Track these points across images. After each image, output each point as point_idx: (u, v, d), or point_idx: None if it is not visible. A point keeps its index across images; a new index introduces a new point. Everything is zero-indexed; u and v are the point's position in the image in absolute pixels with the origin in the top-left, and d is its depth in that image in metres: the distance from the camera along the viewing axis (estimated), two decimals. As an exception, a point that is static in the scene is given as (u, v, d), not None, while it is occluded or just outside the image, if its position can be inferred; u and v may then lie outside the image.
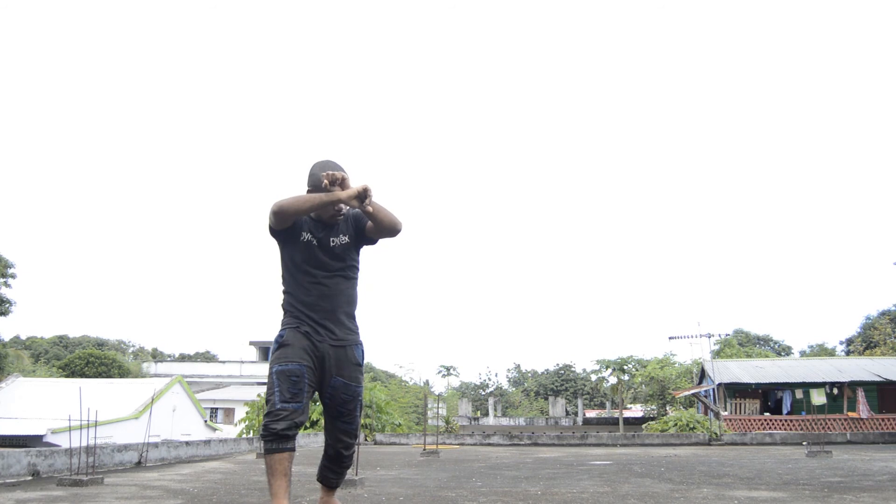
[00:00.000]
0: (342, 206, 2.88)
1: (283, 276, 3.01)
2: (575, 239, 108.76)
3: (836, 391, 24.95)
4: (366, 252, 3.12)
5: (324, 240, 2.96)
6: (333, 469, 3.09)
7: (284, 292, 3.00)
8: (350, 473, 5.24)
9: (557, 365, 58.14)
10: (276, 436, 2.69)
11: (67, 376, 36.54)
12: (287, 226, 2.89)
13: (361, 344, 3.05)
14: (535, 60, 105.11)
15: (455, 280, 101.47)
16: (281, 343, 2.87)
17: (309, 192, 2.98)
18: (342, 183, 2.82)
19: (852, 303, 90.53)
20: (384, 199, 2.90)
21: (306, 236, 2.94)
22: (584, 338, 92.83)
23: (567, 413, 48.64)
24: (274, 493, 2.69)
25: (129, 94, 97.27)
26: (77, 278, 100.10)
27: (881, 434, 15.20)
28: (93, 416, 6.43)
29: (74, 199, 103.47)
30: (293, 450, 2.75)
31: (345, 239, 3.01)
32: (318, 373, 2.87)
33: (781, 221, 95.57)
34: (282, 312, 3.00)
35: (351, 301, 3.02)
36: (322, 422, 17.22)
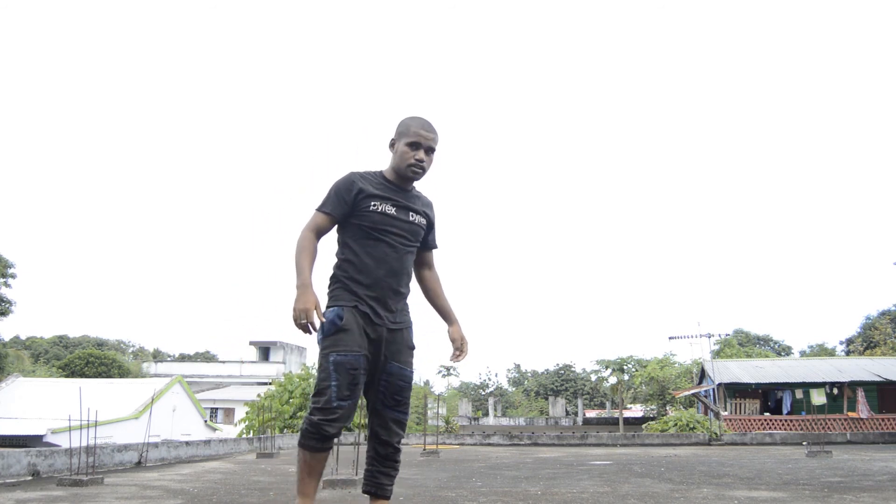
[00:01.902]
0: (421, 162, 2.71)
1: (345, 243, 2.72)
2: (575, 239, 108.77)
3: (836, 391, 24.95)
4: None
5: (403, 211, 2.74)
6: (387, 472, 2.71)
7: (344, 261, 2.70)
8: (350, 473, 5.24)
9: (557, 365, 58.13)
10: (324, 436, 2.50)
11: (67, 376, 36.54)
12: (342, 214, 2.70)
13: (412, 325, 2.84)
14: (534, 60, 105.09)
15: (455, 280, 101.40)
16: (340, 327, 2.57)
17: (392, 142, 2.79)
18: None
19: (852, 303, 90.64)
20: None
21: (380, 206, 2.68)
22: (584, 338, 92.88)
23: (567, 413, 48.63)
24: (305, 493, 2.55)
25: (130, 95, 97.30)
26: (77, 278, 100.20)
27: (881, 434, 15.20)
28: (93, 416, 6.43)
29: (74, 199, 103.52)
30: (331, 448, 2.61)
31: (422, 220, 2.82)
32: (372, 361, 2.63)
33: (781, 221, 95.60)
34: (332, 283, 2.71)
35: (410, 280, 2.82)
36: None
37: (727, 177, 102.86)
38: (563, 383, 55.30)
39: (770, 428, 23.52)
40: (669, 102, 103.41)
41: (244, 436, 16.87)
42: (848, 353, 45.63)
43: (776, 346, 55.07)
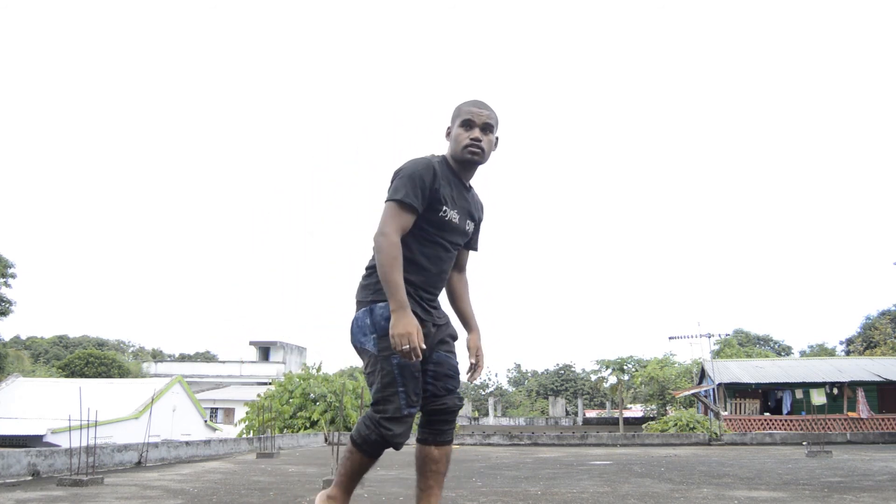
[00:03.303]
0: (478, 141, 2.50)
1: (406, 237, 2.48)
2: (575, 239, 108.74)
3: (836, 391, 24.96)
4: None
5: (463, 218, 2.59)
6: (445, 420, 2.53)
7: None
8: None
9: (557, 365, 58.21)
10: (394, 446, 2.36)
11: (67, 376, 36.56)
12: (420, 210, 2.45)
13: None
14: (533, 60, 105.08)
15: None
16: None
17: (448, 130, 2.61)
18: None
19: (852, 303, 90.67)
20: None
21: (448, 213, 2.50)
22: (584, 338, 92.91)
23: (567, 413, 48.66)
24: (348, 490, 2.45)
25: (130, 94, 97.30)
26: (77, 278, 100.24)
27: (881, 434, 15.20)
28: (93, 416, 6.42)
29: (74, 199, 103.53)
30: None
31: (474, 226, 2.71)
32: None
33: (781, 221, 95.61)
34: (374, 273, 2.49)
35: None
36: (321, 422, 17.22)
37: (727, 177, 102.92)
38: (563, 383, 55.35)
39: (770, 428, 23.53)
40: (670, 102, 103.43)
41: (244, 436, 16.86)
42: (848, 353, 45.66)
43: (776, 346, 55.09)
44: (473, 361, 2.76)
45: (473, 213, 2.67)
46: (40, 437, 22.17)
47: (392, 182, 2.48)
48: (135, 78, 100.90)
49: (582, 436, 14.41)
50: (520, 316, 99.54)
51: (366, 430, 2.36)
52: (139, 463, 7.53)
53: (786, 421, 24.34)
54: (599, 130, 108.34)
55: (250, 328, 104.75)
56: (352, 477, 2.44)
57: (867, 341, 43.57)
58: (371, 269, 2.51)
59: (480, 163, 2.56)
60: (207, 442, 9.76)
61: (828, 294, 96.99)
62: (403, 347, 2.26)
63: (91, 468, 5.81)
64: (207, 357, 59.43)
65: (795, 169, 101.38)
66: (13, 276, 31.07)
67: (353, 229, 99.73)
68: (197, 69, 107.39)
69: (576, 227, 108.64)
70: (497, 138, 2.61)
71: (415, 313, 2.37)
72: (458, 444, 13.76)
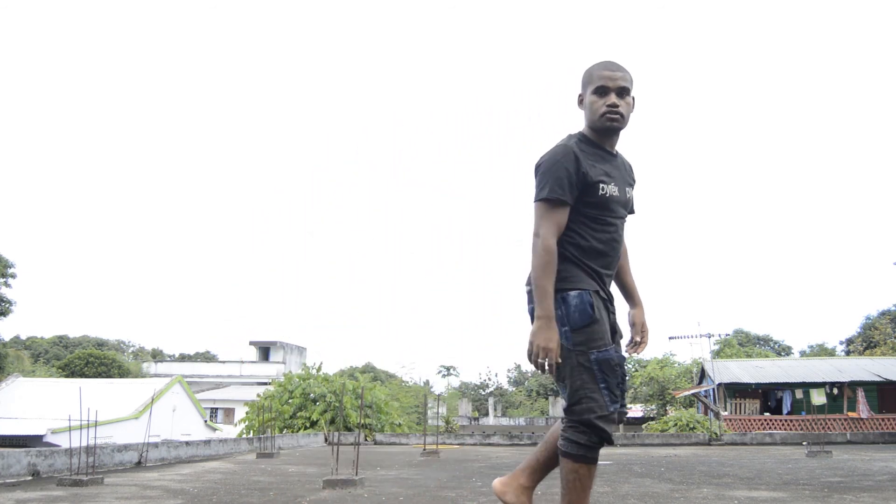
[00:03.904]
0: (616, 107, 2.33)
1: (570, 225, 2.33)
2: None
3: (836, 391, 24.96)
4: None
5: (621, 188, 2.42)
6: None
7: (572, 243, 2.32)
8: (350, 473, 5.24)
9: (558, 365, 58.00)
10: (605, 444, 2.19)
11: (67, 376, 36.57)
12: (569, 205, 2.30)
13: None
14: (531, 60, 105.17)
15: (455, 280, 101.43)
16: (592, 317, 2.22)
17: (580, 98, 2.45)
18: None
19: (852, 303, 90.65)
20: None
21: (607, 188, 2.34)
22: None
23: (567, 413, 48.57)
24: None
25: (130, 94, 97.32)
26: (77, 278, 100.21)
27: (881, 434, 15.20)
28: (93, 416, 6.43)
29: (74, 199, 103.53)
30: None
31: (631, 192, 2.51)
32: None
33: (781, 221, 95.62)
34: (563, 261, 2.29)
35: None
36: (321, 422, 17.22)
37: (727, 177, 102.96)
38: (563, 383, 55.23)
39: (770, 428, 23.52)
40: (668, 102, 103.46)
41: (244, 436, 16.87)
42: (848, 353, 45.65)
43: (776, 346, 55.10)
44: (638, 339, 2.62)
45: (628, 178, 2.51)
46: (40, 437, 22.18)
47: (535, 178, 2.36)
48: (135, 78, 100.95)
49: (582, 436, 14.38)
50: (520, 316, 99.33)
51: (583, 437, 2.18)
52: (139, 463, 7.53)
53: (786, 421, 24.34)
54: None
55: (250, 328, 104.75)
56: (585, 497, 2.25)
57: (867, 341, 43.56)
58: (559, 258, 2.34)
59: (621, 129, 2.40)
60: (207, 442, 9.76)
61: (828, 294, 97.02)
62: (540, 360, 2.16)
63: (91, 468, 5.81)
64: (207, 357, 59.44)
65: (796, 169, 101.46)
66: (13, 276, 31.08)
67: (354, 229, 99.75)
68: (197, 69, 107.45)
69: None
70: (634, 98, 2.44)
71: (604, 301, 2.30)
72: (458, 444, 13.77)
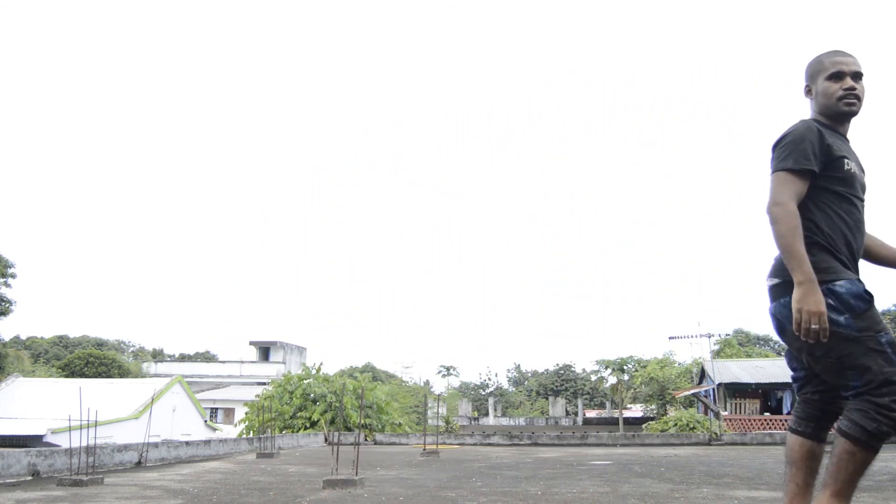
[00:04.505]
0: (853, 90, 2.33)
1: (805, 206, 2.28)
2: (575, 239, 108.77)
3: (836, 391, 24.94)
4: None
5: (860, 170, 2.40)
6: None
7: (820, 223, 2.28)
8: (350, 473, 5.25)
9: (557, 365, 58.12)
10: (891, 434, 2.09)
11: (67, 376, 36.54)
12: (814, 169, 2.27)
13: None
14: (532, 61, 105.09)
15: (455, 280, 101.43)
16: (871, 301, 2.19)
17: (807, 88, 2.46)
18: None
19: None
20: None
21: (851, 165, 2.32)
22: (584, 338, 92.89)
23: (567, 413, 48.67)
24: (849, 499, 2.17)
25: (130, 95, 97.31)
26: (77, 278, 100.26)
27: (881, 434, 15.19)
28: (93, 416, 6.43)
29: (74, 199, 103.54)
30: None
31: (865, 179, 2.46)
32: None
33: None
34: (817, 251, 2.25)
35: None
36: (321, 422, 17.23)
37: (727, 177, 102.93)
38: (563, 383, 55.30)
39: (770, 428, 23.52)
40: (667, 102, 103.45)
41: (244, 436, 16.87)
42: (848, 353, 45.55)
43: (776, 346, 55.07)
44: None
45: (861, 164, 2.47)
46: (40, 437, 22.16)
47: (774, 153, 2.35)
48: (136, 78, 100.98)
49: (582, 436, 14.41)
50: (520, 316, 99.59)
51: (873, 422, 2.08)
52: (139, 463, 7.53)
53: (786, 421, 24.29)
54: (599, 130, 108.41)
55: (250, 328, 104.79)
56: (854, 482, 2.16)
57: (867, 341, 43.50)
58: (808, 246, 2.24)
59: (857, 112, 2.39)
60: (207, 442, 9.76)
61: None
62: (813, 326, 2.09)
63: (91, 468, 5.82)
64: (207, 357, 59.41)
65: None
66: (13, 276, 31.05)
67: (354, 229, 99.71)
68: (197, 69, 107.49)
69: (575, 228, 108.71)
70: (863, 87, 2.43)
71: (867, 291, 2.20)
72: (458, 444, 13.77)
